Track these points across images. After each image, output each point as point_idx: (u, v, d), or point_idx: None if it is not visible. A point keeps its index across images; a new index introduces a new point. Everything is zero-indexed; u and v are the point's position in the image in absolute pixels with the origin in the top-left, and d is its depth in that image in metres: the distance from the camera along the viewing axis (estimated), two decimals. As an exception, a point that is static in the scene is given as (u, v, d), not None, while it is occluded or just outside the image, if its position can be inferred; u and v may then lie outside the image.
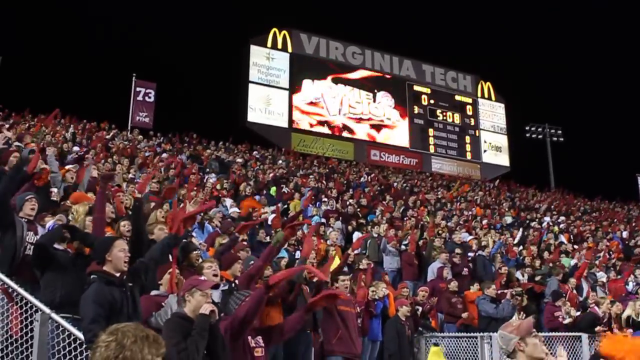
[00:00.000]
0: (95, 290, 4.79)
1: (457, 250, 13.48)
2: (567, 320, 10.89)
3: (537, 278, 13.51)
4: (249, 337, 4.87)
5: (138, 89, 30.62)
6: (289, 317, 5.47)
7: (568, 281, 12.97)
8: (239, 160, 23.56)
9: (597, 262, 15.94)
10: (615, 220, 27.68)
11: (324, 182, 22.20)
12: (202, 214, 11.13)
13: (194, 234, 10.41)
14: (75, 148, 17.03)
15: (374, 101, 38.66)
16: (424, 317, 10.40)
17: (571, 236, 20.36)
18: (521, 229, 19.26)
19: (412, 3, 58.31)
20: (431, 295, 10.84)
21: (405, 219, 17.82)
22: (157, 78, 31.93)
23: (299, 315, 5.24)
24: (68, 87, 36.95)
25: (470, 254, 14.31)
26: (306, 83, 36.48)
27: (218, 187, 16.36)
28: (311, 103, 36.27)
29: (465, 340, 9.56)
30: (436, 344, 7.62)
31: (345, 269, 10.57)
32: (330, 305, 7.16)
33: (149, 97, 30.78)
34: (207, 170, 19.85)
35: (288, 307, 7.62)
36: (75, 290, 5.21)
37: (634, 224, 26.67)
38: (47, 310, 5.11)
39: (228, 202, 14.65)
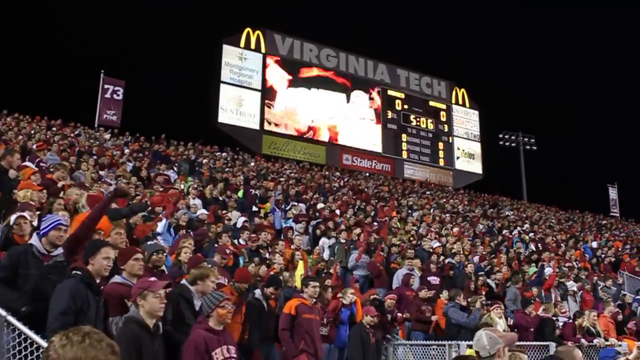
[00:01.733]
0: (73, 284, 4.77)
1: (433, 258, 13.54)
2: (532, 328, 11.05)
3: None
4: (217, 350, 4.81)
5: (106, 86, 30.25)
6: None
7: (531, 289, 13.12)
8: (205, 161, 23.40)
9: (567, 271, 16.14)
10: (586, 230, 28.09)
11: (294, 186, 22.17)
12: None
13: (161, 238, 10.34)
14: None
15: (347, 102, 38.76)
16: (392, 325, 10.42)
17: (539, 245, 20.57)
18: (493, 237, 19.43)
19: (389, 7, 58.68)
20: (397, 303, 10.87)
21: (375, 223, 17.85)
22: (126, 76, 31.69)
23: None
24: (34, 83, 36.52)
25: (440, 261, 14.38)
26: (279, 84, 36.41)
27: (183, 185, 16.16)
28: (284, 105, 36.22)
29: (434, 349, 9.61)
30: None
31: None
32: None
33: (118, 95, 30.43)
34: (176, 171, 19.68)
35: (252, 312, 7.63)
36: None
37: (604, 235, 27.10)
38: (2, 312, 5.02)
39: (198, 202, 14.52)
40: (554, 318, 11.38)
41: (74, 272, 4.93)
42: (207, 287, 6.14)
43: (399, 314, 10.60)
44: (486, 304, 10.81)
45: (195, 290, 6.13)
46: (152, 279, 5.24)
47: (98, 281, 5.00)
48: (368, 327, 9.06)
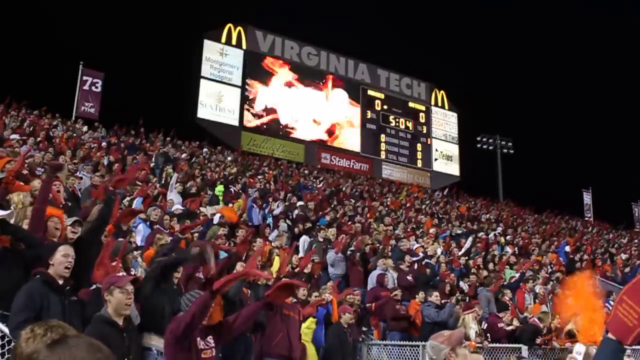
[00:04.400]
0: (31, 285, 4.81)
1: (407, 258, 13.60)
2: (509, 328, 11.13)
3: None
4: (198, 339, 4.67)
5: (85, 77, 29.98)
6: (241, 311, 5.09)
7: (504, 293, 13.18)
8: (184, 155, 23.27)
9: (540, 275, 16.30)
10: (561, 234, 28.36)
11: (272, 183, 22.14)
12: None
13: (137, 229, 10.29)
14: (14, 136, 16.59)
15: (327, 101, 38.76)
16: (364, 324, 10.47)
17: (516, 248, 20.73)
18: (470, 239, 19.52)
19: (371, 8, 58.82)
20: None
21: (350, 223, 17.87)
22: (105, 67, 31.37)
23: (253, 310, 4.97)
24: (11, 73, 35.96)
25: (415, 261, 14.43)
26: (259, 81, 36.35)
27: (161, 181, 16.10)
28: (263, 102, 36.15)
29: (409, 349, 9.67)
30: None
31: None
32: (288, 297, 6.54)
33: (96, 87, 30.16)
34: (153, 164, 19.55)
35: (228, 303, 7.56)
36: (4, 285, 5.10)
37: (578, 239, 27.37)
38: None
39: (174, 197, 14.45)
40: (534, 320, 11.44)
41: (35, 275, 4.94)
42: None
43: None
44: (462, 300, 10.92)
45: None
46: (120, 274, 5.25)
47: (62, 282, 4.96)
48: (346, 326, 9.07)
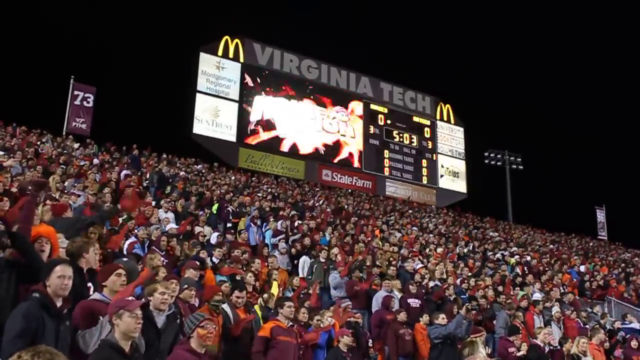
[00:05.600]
0: (27, 306, 4.76)
1: (416, 278, 13.53)
2: (520, 353, 11.04)
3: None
4: None
5: (76, 92, 29.99)
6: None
7: (516, 315, 13.09)
8: (182, 173, 23.25)
9: (550, 296, 16.22)
10: (573, 254, 28.28)
11: (272, 202, 22.10)
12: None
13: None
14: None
15: (328, 118, 38.82)
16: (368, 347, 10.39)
17: (526, 269, 20.67)
18: (480, 261, 19.47)
19: (373, 19, 59.09)
20: (377, 327, 10.84)
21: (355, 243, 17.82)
22: (97, 82, 31.45)
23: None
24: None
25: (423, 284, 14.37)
26: (257, 96, 36.43)
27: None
28: (262, 117, 36.20)
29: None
30: None
31: (290, 294, 10.56)
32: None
33: (88, 102, 30.16)
34: (147, 183, 19.52)
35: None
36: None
37: (592, 259, 27.30)
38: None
39: (170, 216, 14.44)
40: (543, 345, 11.36)
41: (33, 294, 4.90)
42: (157, 300, 6.15)
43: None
44: (473, 309, 10.83)
45: (151, 306, 6.08)
46: (130, 298, 5.22)
47: (60, 304, 4.94)
48: (345, 350, 8.98)
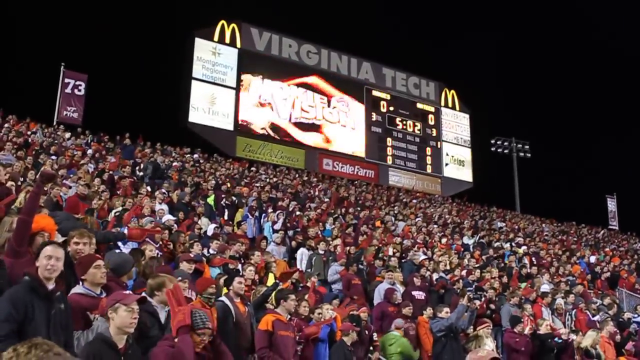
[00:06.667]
0: (15, 290, 4.76)
1: (422, 272, 13.62)
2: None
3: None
4: None
5: (67, 80, 29.98)
6: None
7: (524, 307, 13.12)
8: (177, 164, 23.26)
9: (560, 287, 16.26)
10: (582, 244, 28.34)
11: (271, 192, 22.12)
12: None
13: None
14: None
15: (329, 106, 38.78)
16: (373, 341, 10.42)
17: (534, 259, 20.71)
18: (486, 251, 19.49)
19: (374, 2, 58.83)
20: (379, 320, 10.87)
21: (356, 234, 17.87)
22: (88, 69, 31.38)
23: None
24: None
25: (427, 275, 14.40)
26: (255, 82, 36.37)
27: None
28: (259, 104, 36.17)
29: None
30: None
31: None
32: None
33: (79, 90, 30.17)
34: (141, 173, 19.53)
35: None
36: None
37: (602, 249, 27.35)
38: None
39: (164, 207, 14.46)
40: (549, 339, 11.39)
41: (24, 277, 4.90)
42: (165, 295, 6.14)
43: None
44: (476, 298, 10.88)
45: (156, 301, 6.09)
46: (127, 292, 5.24)
47: (51, 287, 4.93)
48: (350, 344, 9.02)
